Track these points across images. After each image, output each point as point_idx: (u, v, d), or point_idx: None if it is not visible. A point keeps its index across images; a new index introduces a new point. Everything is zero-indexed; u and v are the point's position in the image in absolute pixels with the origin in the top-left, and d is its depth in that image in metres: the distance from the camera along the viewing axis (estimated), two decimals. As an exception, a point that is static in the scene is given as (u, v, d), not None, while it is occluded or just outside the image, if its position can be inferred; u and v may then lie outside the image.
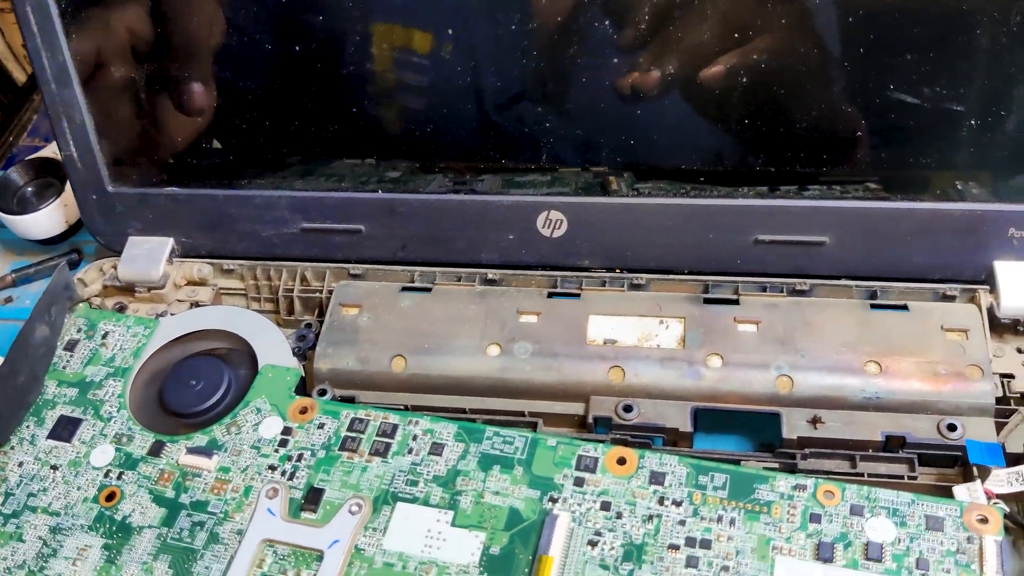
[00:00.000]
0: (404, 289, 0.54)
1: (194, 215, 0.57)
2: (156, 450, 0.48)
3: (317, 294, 0.56)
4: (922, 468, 0.46)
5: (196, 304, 0.57)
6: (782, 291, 0.52)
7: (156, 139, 0.57)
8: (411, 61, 0.54)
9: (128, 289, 0.57)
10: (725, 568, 0.41)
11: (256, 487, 0.46)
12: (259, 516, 0.45)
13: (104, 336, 0.53)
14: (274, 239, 0.57)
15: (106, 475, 0.48)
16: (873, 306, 0.50)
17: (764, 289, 0.52)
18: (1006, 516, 0.43)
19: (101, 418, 0.50)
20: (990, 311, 0.49)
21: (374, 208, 0.55)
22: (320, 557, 0.43)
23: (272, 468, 0.47)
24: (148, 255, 0.57)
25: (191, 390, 0.51)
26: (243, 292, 0.58)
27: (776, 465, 0.47)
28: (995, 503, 0.43)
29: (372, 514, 0.45)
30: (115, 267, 0.57)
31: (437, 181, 0.57)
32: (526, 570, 0.42)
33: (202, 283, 0.57)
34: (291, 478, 0.46)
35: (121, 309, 0.57)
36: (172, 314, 0.56)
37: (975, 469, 0.45)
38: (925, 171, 0.51)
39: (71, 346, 0.53)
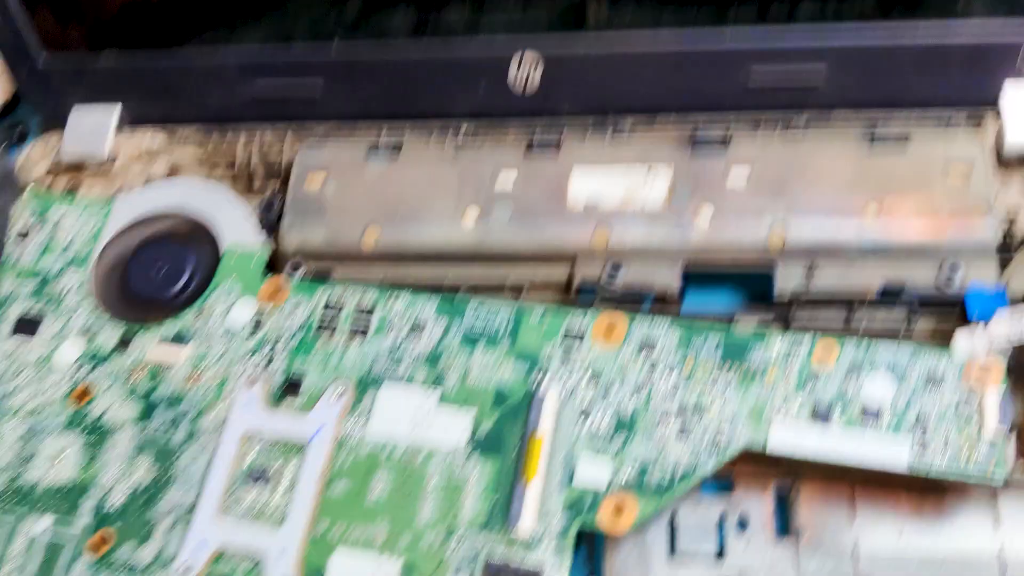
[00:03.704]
0: (371, 150, 0.51)
1: (138, 82, 0.53)
2: (125, 343, 0.46)
3: (278, 160, 0.52)
4: (921, 315, 0.45)
5: (152, 178, 0.53)
6: (776, 128, 0.48)
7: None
8: None
9: (78, 167, 0.53)
10: (719, 437, 0.40)
11: (233, 376, 0.45)
12: (238, 407, 0.44)
13: (57, 222, 0.50)
14: (227, 101, 0.53)
15: (77, 371, 0.46)
16: (873, 138, 0.47)
17: (756, 126, 0.48)
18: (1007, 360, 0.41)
19: (64, 311, 0.48)
20: (996, 141, 0.46)
21: (331, 63, 0.51)
22: (305, 446, 0.42)
23: (248, 356, 0.45)
24: (94, 127, 0.53)
25: (156, 275, 0.48)
26: (201, 161, 0.54)
27: (770, 318, 0.45)
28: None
29: (356, 398, 0.43)
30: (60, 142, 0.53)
31: (398, 18, 0.52)
32: (516, 448, 0.41)
33: (155, 155, 0.54)
34: (268, 365, 0.45)
35: (73, 188, 0.53)
36: (127, 191, 0.52)
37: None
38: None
39: (23, 235, 0.50)
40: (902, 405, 0.40)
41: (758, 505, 0.43)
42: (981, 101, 0.47)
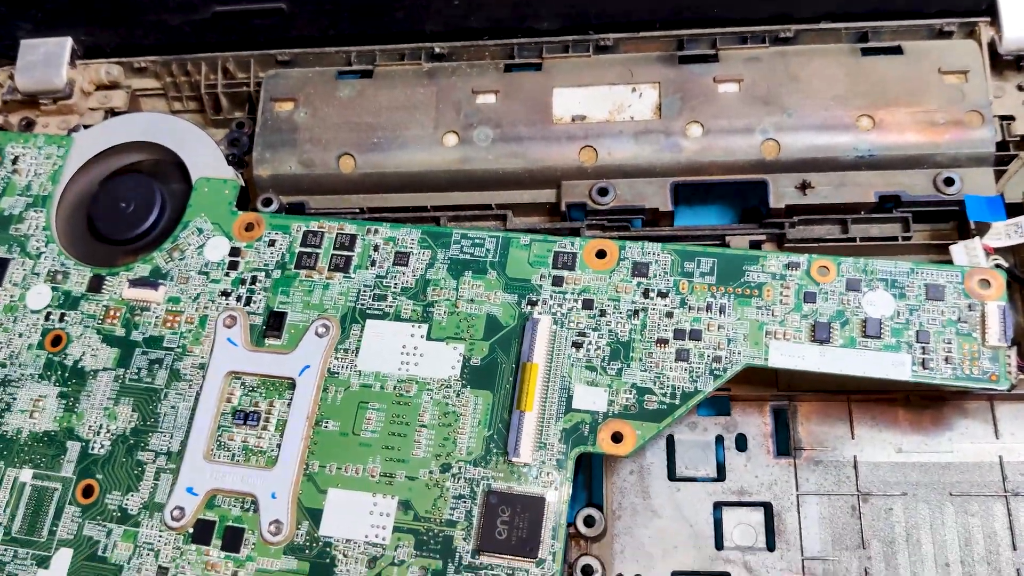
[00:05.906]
0: (341, 74, 0.48)
1: (89, 7, 0.49)
2: (96, 285, 0.44)
3: (244, 87, 0.50)
4: (916, 225, 0.44)
5: (111, 111, 0.50)
6: (764, 41, 0.46)
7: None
8: None
9: (33, 101, 0.51)
10: (717, 359, 0.39)
11: (211, 316, 0.43)
12: (219, 348, 0.42)
13: (15, 161, 0.48)
14: (185, 27, 0.50)
15: (47, 318, 0.44)
16: (864, 51, 0.46)
17: (744, 40, 0.47)
18: (1006, 272, 0.40)
19: (29, 255, 0.45)
20: (991, 47, 0.45)
21: (295, -20, 0.48)
22: (292, 385, 0.41)
23: (225, 294, 0.43)
24: (46, 59, 0.50)
25: (122, 213, 0.46)
26: (162, 92, 0.51)
27: (763, 236, 0.44)
28: (994, 259, 0.41)
29: (341, 334, 0.42)
30: (12, 77, 0.50)
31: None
32: (511, 379, 0.40)
33: (113, 86, 0.51)
34: (248, 303, 0.43)
35: (29, 125, 0.50)
36: (86, 126, 0.49)
37: (972, 224, 0.43)
38: None
39: (-21, 176, 0.47)
40: (902, 322, 0.39)
41: (756, 426, 0.42)
42: (974, 9, 0.46)
